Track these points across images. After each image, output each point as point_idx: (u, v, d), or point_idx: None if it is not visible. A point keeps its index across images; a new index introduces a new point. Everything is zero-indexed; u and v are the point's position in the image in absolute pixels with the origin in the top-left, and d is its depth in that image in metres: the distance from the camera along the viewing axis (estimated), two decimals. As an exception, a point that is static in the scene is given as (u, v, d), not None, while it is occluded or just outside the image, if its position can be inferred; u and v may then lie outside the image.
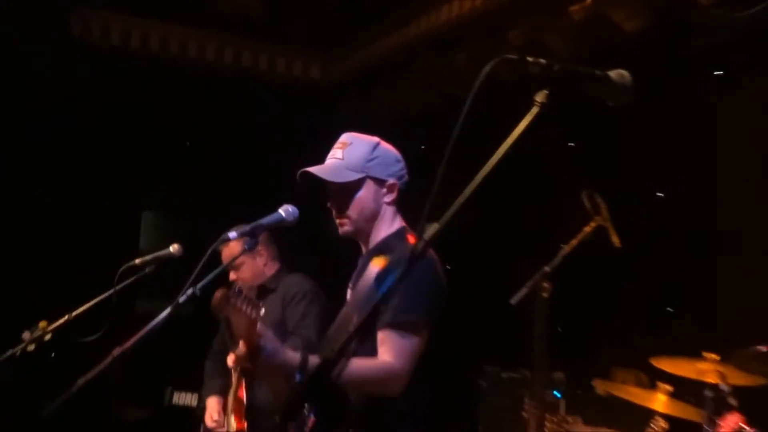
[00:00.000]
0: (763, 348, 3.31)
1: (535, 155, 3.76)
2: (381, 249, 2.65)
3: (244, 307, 2.29)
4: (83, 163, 6.62)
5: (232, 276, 4.37)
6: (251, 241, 2.72)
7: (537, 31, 4.92)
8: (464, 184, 1.62)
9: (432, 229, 1.60)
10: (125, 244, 6.68)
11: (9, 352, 3.22)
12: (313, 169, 2.64)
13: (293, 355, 2.35)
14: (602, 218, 3.66)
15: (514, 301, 3.38)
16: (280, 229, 2.77)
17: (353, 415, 2.51)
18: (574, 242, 3.58)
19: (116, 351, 2.56)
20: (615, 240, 3.64)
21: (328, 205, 2.71)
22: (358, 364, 2.40)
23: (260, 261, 4.51)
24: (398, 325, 2.45)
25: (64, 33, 5.70)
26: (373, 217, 2.69)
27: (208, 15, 6.01)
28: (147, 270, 3.43)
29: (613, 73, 1.70)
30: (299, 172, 2.64)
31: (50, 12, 5.57)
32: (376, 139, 2.76)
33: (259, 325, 2.30)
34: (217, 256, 4.31)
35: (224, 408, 4.42)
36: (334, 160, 2.69)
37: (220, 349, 4.67)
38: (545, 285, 3.37)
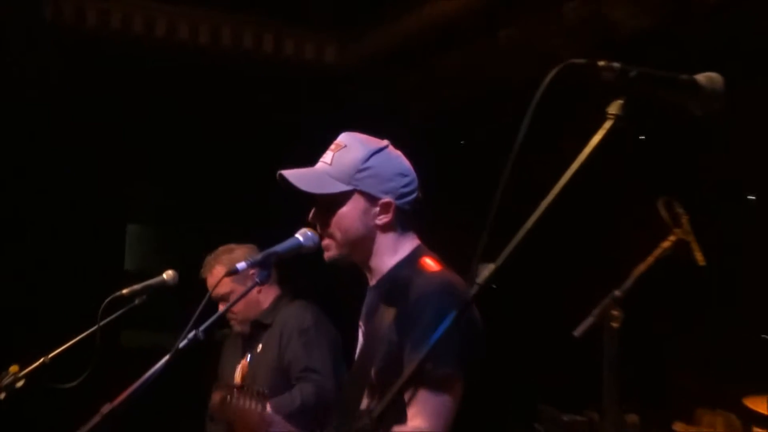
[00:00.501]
0: None
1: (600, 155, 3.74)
2: (389, 285, 2.62)
3: (248, 405, 2.37)
4: (57, 167, 6.60)
5: (222, 308, 4.24)
6: (263, 273, 2.68)
7: (597, 2, 4.87)
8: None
9: (486, 270, 1.57)
10: (108, 263, 6.64)
11: (-26, 403, 3.19)
12: (289, 173, 2.62)
13: None
14: (683, 231, 3.64)
15: (578, 332, 3.34)
16: (297, 258, 2.73)
17: None
18: (649, 260, 3.55)
19: (105, 408, 2.49)
20: (699, 257, 3.61)
21: (310, 219, 2.69)
22: None
23: (254, 288, 4.46)
24: (429, 382, 2.43)
25: (36, 18, 5.73)
26: (362, 242, 2.66)
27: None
28: (137, 301, 3.46)
29: (702, 78, 1.67)
30: (277, 174, 2.63)
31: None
32: (382, 143, 2.71)
33: (267, 411, 2.37)
34: (203, 284, 4.29)
35: None
36: (322, 164, 2.68)
37: None
38: (615, 312, 3.32)
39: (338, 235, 2.64)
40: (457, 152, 6.36)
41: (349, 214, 2.63)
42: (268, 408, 2.35)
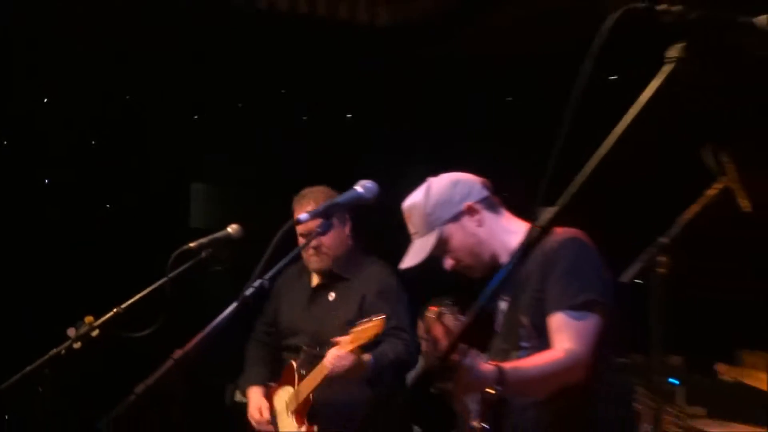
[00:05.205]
0: None
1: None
2: (522, 253, 2.70)
3: (451, 322, 2.52)
4: (118, 126, 6.57)
5: (314, 243, 4.31)
6: (326, 223, 2.77)
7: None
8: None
9: (548, 213, 1.60)
10: (173, 222, 6.66)
11: (53, 351, 3.26)
12: (408, 263, 2.90)
13: (488, 368, 2.50)
14: (729, 179, 3.53)
15: (625, 278, 3.30)
16: (357, 208, 2.83)
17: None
18: (695, 208, 3.46)
19: (177, 354, 2.62)
20: (744, 203, 3.51)
21: (448, 268, 2.91)
22: (539, 359, 2.59)
23: (347, 228, 4.45)
24: (570, 308, 2.62)
25: None
26: (485, 246, 2.86)
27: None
28: (203, 254, 3.43)
29: (761, 19, 1.62)
30: (401, 269, 2.95)
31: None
32: (424, 186, 2.92)
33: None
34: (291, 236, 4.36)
35: (271, 402, 4.47)
36: (414, 237, 2.92)
37: (265, 330, 4.72)
38: (662, 259, 3.28)
39: (468, 259, 2.88)
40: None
41: (458, 241, 2.86)
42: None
